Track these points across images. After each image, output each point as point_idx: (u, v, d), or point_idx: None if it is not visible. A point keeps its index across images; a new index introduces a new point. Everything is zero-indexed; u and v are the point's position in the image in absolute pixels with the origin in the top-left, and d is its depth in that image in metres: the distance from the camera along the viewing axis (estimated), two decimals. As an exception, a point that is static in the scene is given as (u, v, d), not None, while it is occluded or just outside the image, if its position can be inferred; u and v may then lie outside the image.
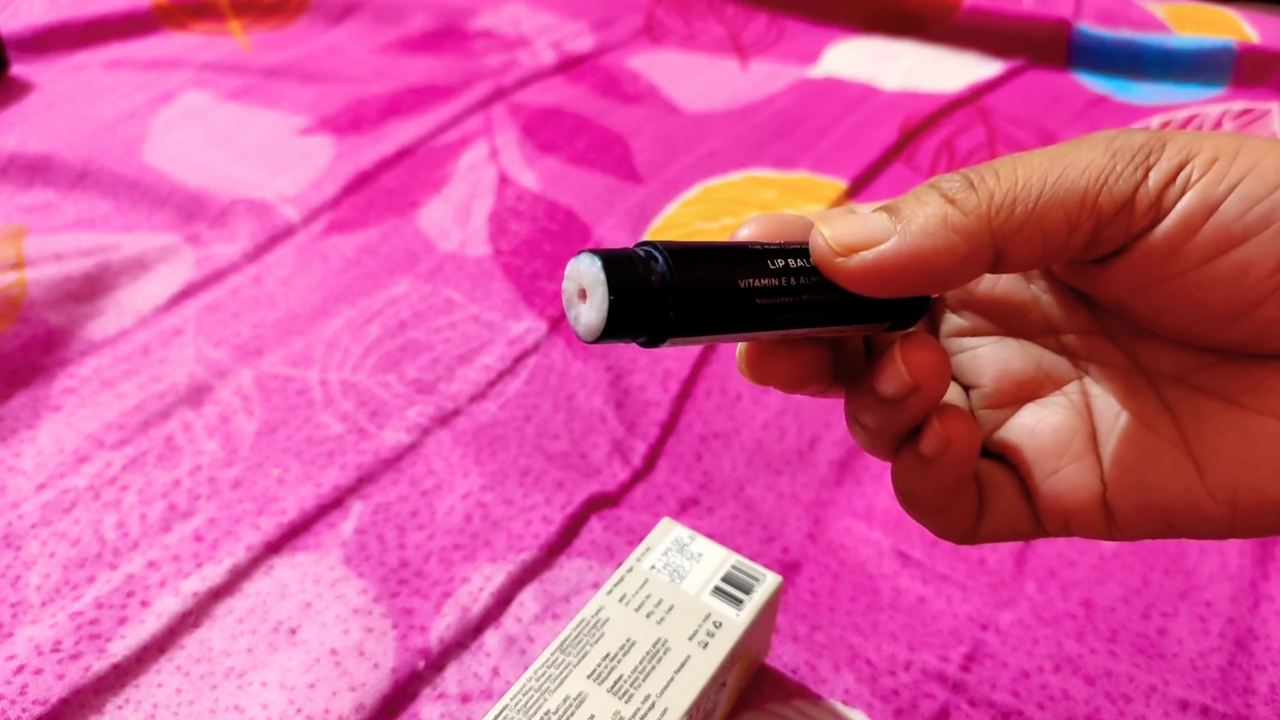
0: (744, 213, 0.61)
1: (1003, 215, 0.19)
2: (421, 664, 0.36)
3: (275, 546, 0.40)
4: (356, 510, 0.42)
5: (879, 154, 0.66)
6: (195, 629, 0.37)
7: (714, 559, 0.33)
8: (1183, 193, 0.19)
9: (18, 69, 0.72)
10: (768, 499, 0.43)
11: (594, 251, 0.18)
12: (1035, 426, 0.23)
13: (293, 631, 0.37)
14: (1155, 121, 0.71)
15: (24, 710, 0.34)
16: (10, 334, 0.49)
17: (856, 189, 0.64)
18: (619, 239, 0.58)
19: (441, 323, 0.52)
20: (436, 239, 0.58)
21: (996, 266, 0.20)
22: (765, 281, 0.20)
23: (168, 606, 0.37)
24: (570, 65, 0.77)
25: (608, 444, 0.45)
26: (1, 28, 0.73)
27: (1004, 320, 0.24)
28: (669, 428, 0.46)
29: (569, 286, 0.19)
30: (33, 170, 0.61)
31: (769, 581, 0.32)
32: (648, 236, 0.58)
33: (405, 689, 0.36)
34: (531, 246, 0.57)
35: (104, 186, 0.60)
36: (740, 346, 0.23)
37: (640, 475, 0.44)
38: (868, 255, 0.19)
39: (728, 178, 0.64)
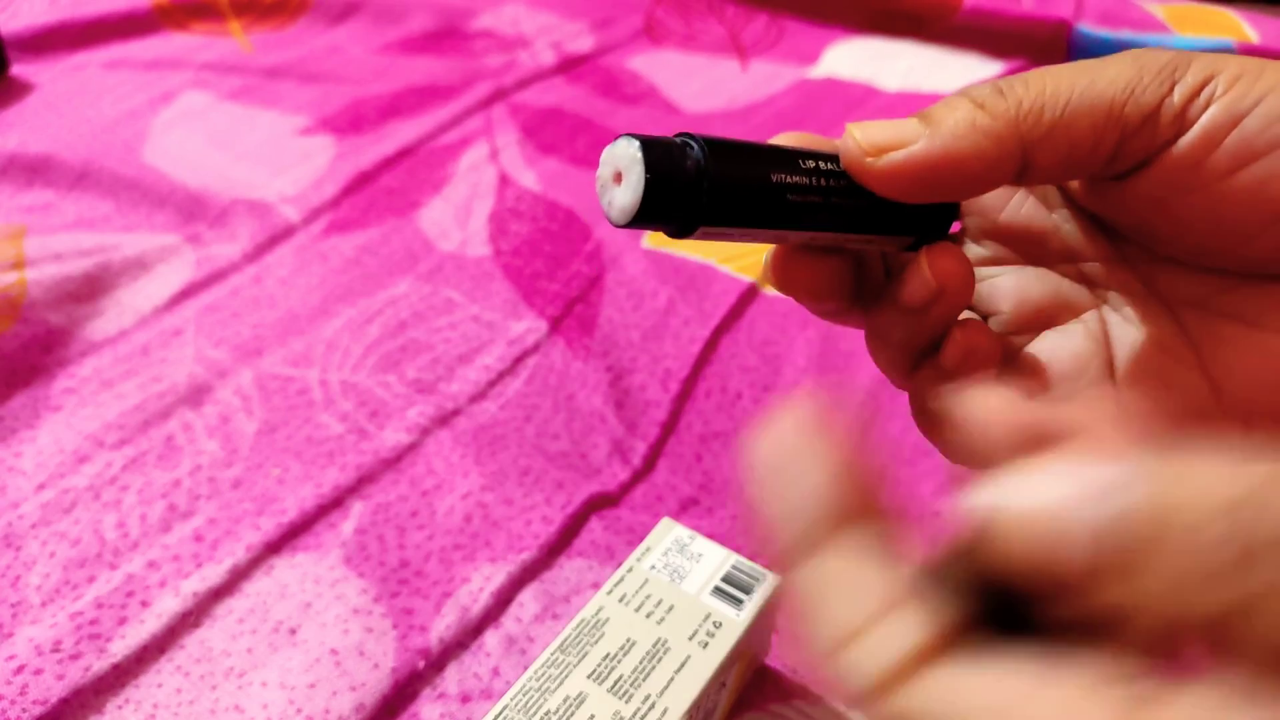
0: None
1: (1030, 121, 0.19)
2: (421, 664, 0.36)
3: (275, 546, 0.40)
4: (356, 510, 0.42)
5: (879, 154, 0.66)
6: (195, 629, 0.37)
7: (714, 559, 0.33)
8: (1206, 106, 0.19)
9: (18, 69, 0.72)
10: (768, 499, 0.43)
11: (632, 135, 0.18)
12: (1053, 352, 0.23)
13: (293, 631, 0.37)
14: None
15: (24, 710, 0.34)
16: (10, 334, 0.49)
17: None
18: (619, 239, 0.58)
19: (441, 323, 0.52)
20: (436, 239, 0.58)
21: (1023, 176, 0.20)
22: (797, 179, 0.20)
23: (168, 606, 0.37)
24: (570, 65, 0.77)
25: (608, 444, 0.45)
26: (1, 28, 0.73)
27: (1024, 249, 0.25)
28: (669, 428, 0.46)
29: (604, 171, 0.19)
30: (33, 170, 0.61)
31: (769, 581, 0.32)
32: (648, 237, 0.58)
33: (405, 689, 0.36)
34: (531, 247, 0.57)
35: (104, 186, 0.60)
36: (766, 253, 0.23)
37: (640, 475, 0.44)
38: (896, 155, 0.20)
39: (728, 178, 0.64)
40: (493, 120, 0.69)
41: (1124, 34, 0.78)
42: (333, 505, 0.42)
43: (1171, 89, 0.19)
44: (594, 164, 0.65)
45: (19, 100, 0.69)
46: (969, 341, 0.22)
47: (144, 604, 0.37)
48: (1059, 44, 0.78)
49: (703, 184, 0.19)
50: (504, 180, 0.63)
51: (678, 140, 0.19)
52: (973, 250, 0.25)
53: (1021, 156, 0.20)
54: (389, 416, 0.46)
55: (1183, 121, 0.19)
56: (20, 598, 0.38)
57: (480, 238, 0.58)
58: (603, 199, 0.19)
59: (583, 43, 0.81)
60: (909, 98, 0.74)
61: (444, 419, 0.46)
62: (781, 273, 0.23)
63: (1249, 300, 0.21)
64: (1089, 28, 0.78)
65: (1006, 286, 0.24)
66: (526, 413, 0.47)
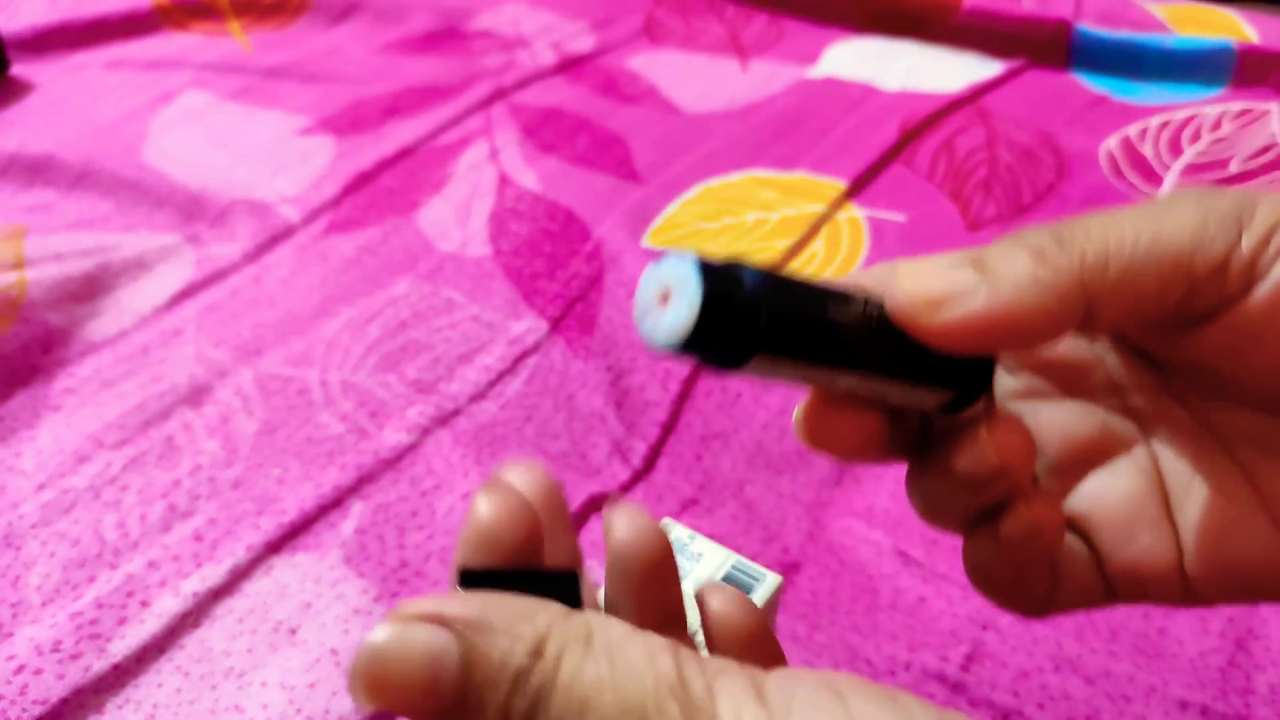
0: (744, 213, 0.61)
1: (1094, 273, 0.18)
2: (421, 664, 0.36)
3: (275, 546, 0.40)
4: (356, 510, 0.42)
5: (879, 154, 0.66)
6: (195, 629, 0.37)
7: (714, 559, 0.33)
8: (1278, 256, 0.18)
9: (18, 69, 0.72)
10: (768, 499, 0.43)
11: (683, 254, 0.17)
12: (1105, 494, 0.22)
13: (293, 631, 0.37)
14: (1155, 122, 0.71)
15: (24, 710, 0.34)
16: (10, 334, 0.49)
17: (856, 189, 0.64)
18: (619, 239, 0.58)
19: (441, 323, 0.52)
20: (436, 239, 0.58)
21: (1086, 326, 0.19)
22: (850, 318, 0.19)
23: (168, 606, 0.37)
24: (570, 65, 0.77)
25: (608, 444, 0.45)
26: (1, 28, 0.73)
27: (1064, 382, 0.23)
28: (669, 428, 0.46)
29: (647, 291, 0.18)
30: (33, 170, 0.61)
31: (769, 581, 0.32)
32: (648, 236, 0.58)
33: (405, 689, 0.35)
34: (531, 246, 0.57)
35: (104, 186, 0.60)
36: (799, 408, 0.21)
37: (640, 475, 0.44)
38: (954, 312, 0.18)
39: (728, 178, 0.64)
40: (492, 120, 0.69)
41: (1123, 34, 0.78)
42: (333, 505, 0.42)
43: (1239, 237, 0.19)
44: (594, 164, 0.65)
45: (19, 100, 0.69)
46: (1036, 518, 0.20)
47: (144, 604, 0.37)
48: (1059, 44, 0.78)
49: (759, 310, 0.17)
50: (504, 180, 0.63)
51: (731, 264, 0.18)
52: (1005, 382, 0.24)
53: (1086, 309, 0.19)
54: (389, 416, 0.46)
55: (1253, 272, 0.19)
56: (20, 598, 0.38)
57: (480, 238, 0.58)
58: (643, 322, 0.18)
59: (583, 43, 0.81)
60: (909, 97, 0.74)
61: (444, 419, 0.46)
62: (815, 427, 0.21)
63: None
64: (1089, 27, 0.78)
65: (1049, 423, 0.23)
66: (526, 413, 0.47)
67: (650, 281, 0.18)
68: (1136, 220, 0.19)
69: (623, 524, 0.20)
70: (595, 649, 0.15)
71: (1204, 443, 0.22)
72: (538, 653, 0.15)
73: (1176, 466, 0.22)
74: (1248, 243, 0.19)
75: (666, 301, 0.17)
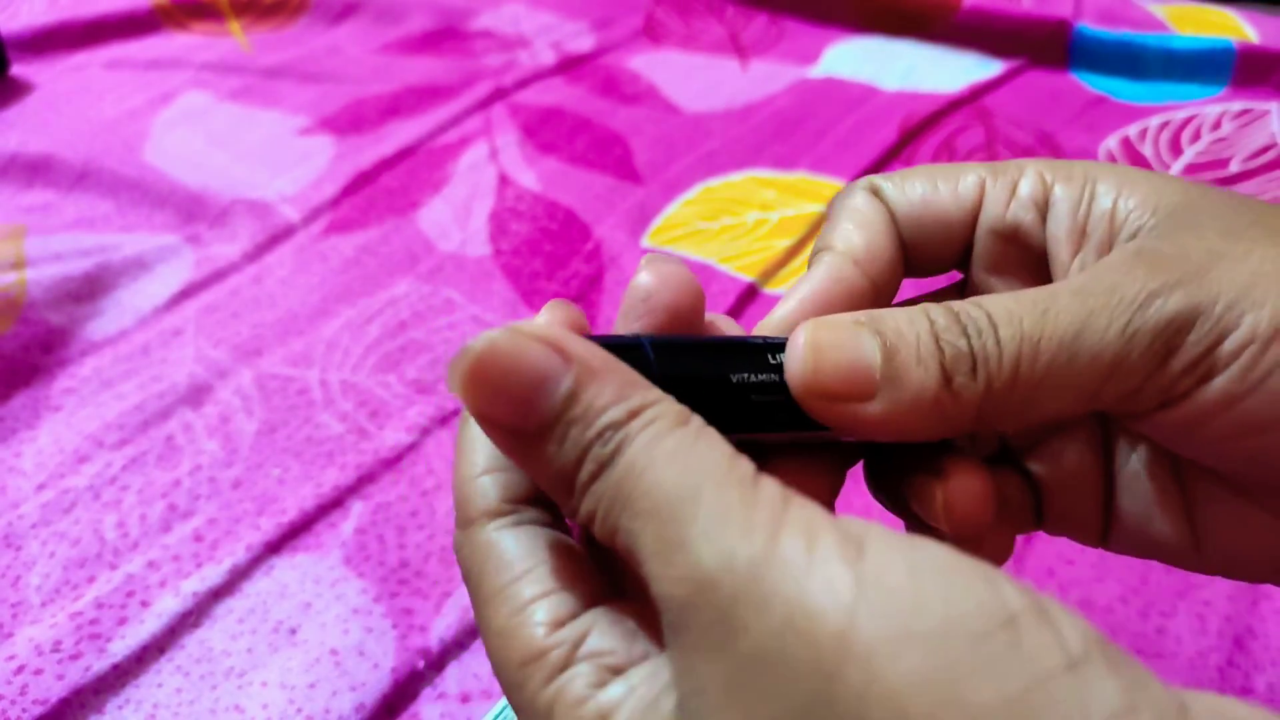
0: (744, 213, 0.61)
1: (995, 402, 0.18)
2: (421, 664, 0.36)
3: (275, 546, 0.40)
4: (356, 510, 0.42)
5: (879, 154, 0.66)
6: (195, 629, 0.37)
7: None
8: (1203, 378, 0.18)
9: (18, 69, 0.72)
10: (767, 499, 0.43)
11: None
12: (1057, 458, 0.22)
13: (293, 631, 0.37)
14: (1155, 122, 0.71)
15: (24, 710, 0.34)
16: (10, 334, 0.49)
17: (856, 189, 0.64)
18: (619, 239, 0.58)
19: (441, 323, 0.52)
20: (436, 239, 0.58)
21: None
22: (763, 377, 0.19)
23: (168, 606, 0.37)
24: (570, 65, 0.77)
25: (607, 444, 0.45)
26: (1, 28, 0.73)
27: None
28: (669, 428, 0.46)
29: None
30: (33, 170, 0.61)
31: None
32: (648, 236, 0.58)
33: (405, 689, 0.36)
34: (531, 246, 0.57)
35: (104, 186, 0.60)
36: None
37: (640, 475, 0.44)
38: (845, 409, 0.18)
39: (728, 178, 0.64)
40: (492, 120, 0.69)
41: (1123, 34, 0.78)
42: (333, 505, 0.42)
43: (1164, 363, 0.18)
44: (594, 164, 0.65)
45: (19, 100, 0.69)
46: (965, 514, 0.20)
47: (144, 604, 0.37)
48: (1059, 43, 0.78)
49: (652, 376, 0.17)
50: (504, 180, 0.63)
51: (629, 339, 0.18)
52: None
53: (973, 428, 0.19)
54: (389, 416, 0.46)
55: (1171, 392, 0.18)
56: (20, 598, 0.38)
57: (480, 237, 0.58)
58: None
59: (583, 42, 0.81)
60: (909, 97, 0.74)
61: (444, 419, 0.46)
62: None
63: (1251, 481, 0.20)
64: (1089, 27, 0.78)
65: None
66: (526, 413, 0.47)
67: None
68: (1060, 332, 0.18)
69: (654, 265, 0.21)
70: (687, 429, 0.15)
71: (1154, 447, 0.22)
72: (635, 414, 0.15)
73: (1124, 451, 0.22)
74: (1172, 368, 0.18)
75: None
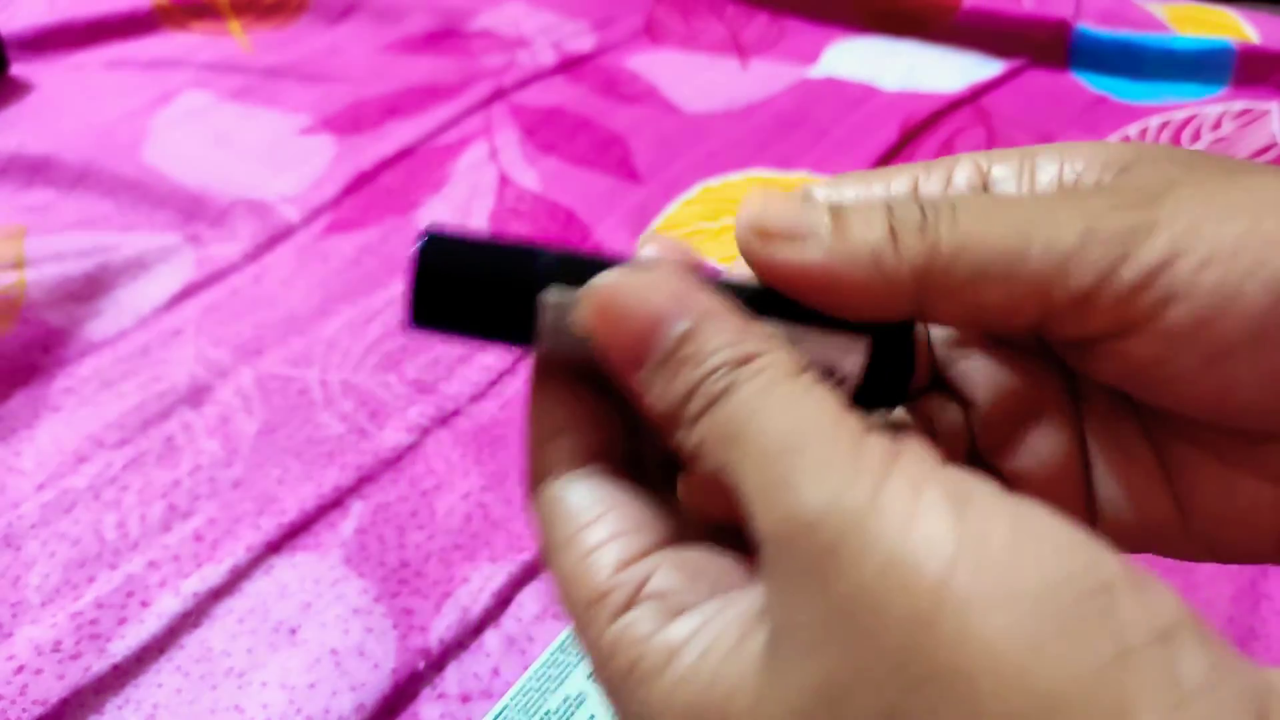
0: (744, 213, 0.61)
1: (936, 273, 0.17)
2: (421, 664, 0.36)
3: (275, 546, 0.40)
4: (356, 510, 0.42)
5: (879, 154, 0.66)
6: (195, 629, 0.37)
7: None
8: (1166, 300, 0.17)
9: (18, 69, 0.72)
10: (768, 499, 0.43)
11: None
12: (1034, 453, 0.21)
13: (293, 631, 0.37)
14: (1155, 122, 0.71)
15: (24, 710, 0.34)
16: (10, 334, 0.49)
17: (856, 189, 0.64)
18: (619, 239, 0.58)
19: (441, 323, 0.52)
20: (436, 239, 0.58)
21: (920, 316, 0.18)
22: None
23: (168, 606, 0.37)
24: (570, 65, 0.77)
25: (608, 444, 0.45)
26: (1, 28, 0.73)
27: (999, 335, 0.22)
28: (669, 428, 0.46)
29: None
30: (33, 170, 0.61)
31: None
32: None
33: (405, 689, 0.36)
34: (531, 246, 0.57)
35: (104, 186, 0.60)
36: None
37: (640, 475, 0.44)
38: (785, 252, 0.18)
39: (728, 178, 0.64)
40: (492, 120, 0.69)
41: (1123, 34, 0.78)
42: (333, 505, 0.42)
43: (1117, 268, 0.17)
44: (594, 164, 0.65)
45: (19, 100, 0.69)
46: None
47: (144, 604, 0.37)
48: (1059, 43, 0.78)
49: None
50: (504, 180, 0.63)
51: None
52: (939, 331, 0.23)
53: (914, 305, 0.18)
54: (389, 416, 0.46)
55: (1127, 310, 0.17)
56: (20, 598, 0.38)
57: (480, 238, 0.58)
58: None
59: (583, 42, 0.81)
60: (909, 97, 0.74)
61: (444, 419, 0.46)
62: None
63: (1228, 444, 0.19)
64: (1089, 27, 0.78)
65: (980, 375, 0.22)
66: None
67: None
68: (1014, 222, 0.17)
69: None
70: (798, 381, 0.16)
71: (1125, 421, 0.21)
72: (745, 360, 0.16)
73: (1098, 433, 0.21)
74: (1127, 276, 0.17)
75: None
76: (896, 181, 0.22)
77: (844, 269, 0.18)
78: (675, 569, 0.17)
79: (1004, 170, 0.21)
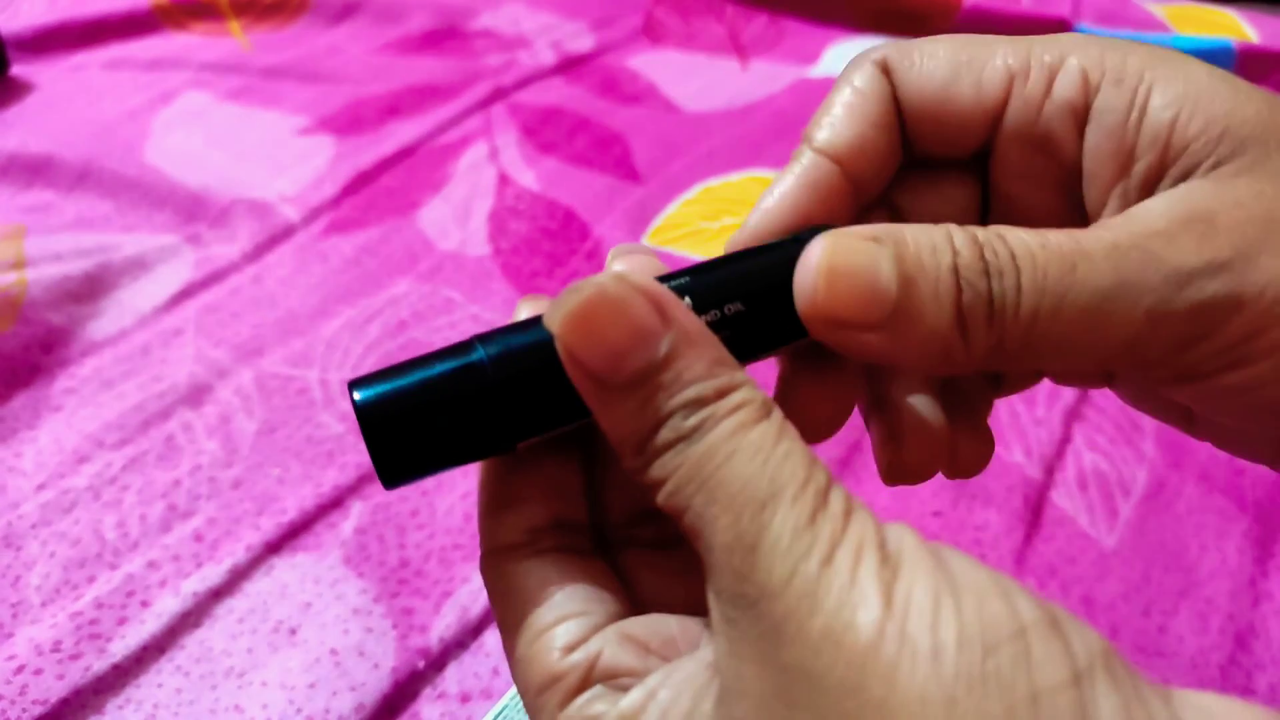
0: (744, 213, 0.61)
1: (1003, 354, 0.18)
2: (421, 664, 0.36)
3: (275, 546, 0.40)
4: (356, 510, 0.42)
5: (879, 154, 0.66)
6: (195, 629, 0.37)
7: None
8: (1233, 367, 0.18)
9: (18, 69, 0.72)
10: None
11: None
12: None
13: (293, 631, 0.37)
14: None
15: (24, 710, 0.34)
16: (10, 334, 0.49)
17: (856, 189, 0.64)
18: (619, 238, 0.58)
19: (441, 322, 0.52)
20: (436, 239, 0.58)
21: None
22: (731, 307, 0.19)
23: (168, 606, 0.37)
24: (570, 65, 0.77)
25: (608, 444, 0.45)
26: (1, 28, 0.73)
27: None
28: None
29: None
30: (33, 170, 0.61)
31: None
32: (648, 236, 0.58)
33: (405, 689, 0.36)
34: (531, 246, 0.57)
35: (104, 186, 0.60)
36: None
37: (640, 475, 0.44)
38: (850, 336, 0.18)
39: (727, 178, 0.64)
40: (492, 120, 0.69)
41: (1123, 33, 0.78)
42: (333, 505, 0.42)
43: (1193, 346, 0.17)
44: (594, 164, 0.65)
45: (19, 100, 0.69)
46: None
47: (144, 604, 0.37)
48: (1059, 43, 0.78)
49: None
50: (503, 180, 0.63)
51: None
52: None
53: (978, 371, 0.19)
54: (389, 416, 0.46)
55: (1193, 374, 0.18)
56: (20, 598, 0.38)
57: (480, 237, 0.58)
58: None
59: (582, 42, 0.81)
60: (909, 97, 0.74)
61: (444, 419, 0.46)
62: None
63: None
64: (1088, 27, 0.78)
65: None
66: (526, 412, 0.47)
67: None
68: (1083, 304, 0.17)
69: (625, 255, 0.21)
70: (770, 422, 0.16)
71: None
72: (722, 394, 0.16)
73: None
74: (1205, 351, 0.18)
75: None
76: (989, 75, 0.20)
77: (912, 352, 0.18)
78: (624, 643, 0.17)
79: (1110, 101, 0.19)
